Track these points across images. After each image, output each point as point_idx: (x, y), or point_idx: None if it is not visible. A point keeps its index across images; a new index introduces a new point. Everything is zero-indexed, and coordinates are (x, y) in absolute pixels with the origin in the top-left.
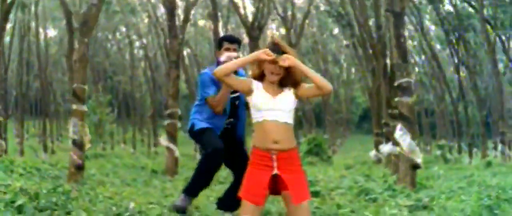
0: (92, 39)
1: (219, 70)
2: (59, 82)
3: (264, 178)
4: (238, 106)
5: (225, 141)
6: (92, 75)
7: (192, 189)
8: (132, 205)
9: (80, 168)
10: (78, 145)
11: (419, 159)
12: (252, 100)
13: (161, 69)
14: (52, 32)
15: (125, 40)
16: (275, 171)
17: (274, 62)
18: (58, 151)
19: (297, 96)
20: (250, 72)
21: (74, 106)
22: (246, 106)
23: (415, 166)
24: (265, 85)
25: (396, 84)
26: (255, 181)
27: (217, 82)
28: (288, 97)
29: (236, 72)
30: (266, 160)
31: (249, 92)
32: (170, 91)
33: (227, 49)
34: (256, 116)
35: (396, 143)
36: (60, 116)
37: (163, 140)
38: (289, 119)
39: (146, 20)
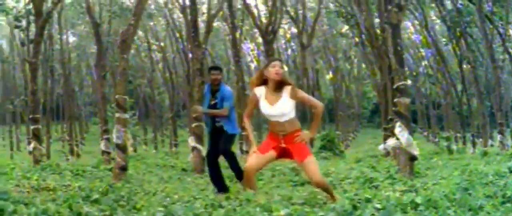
0: (109, 43)
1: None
2: (79, 86)
3: (273, 143)
4: (217, 109)
5: (218, 136)
6: (113, 79)
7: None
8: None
9: (124, 169)
10: (122, 149)
11: (416, 152)
12: (259, 107)
13: (179, 70)
14: (71, 38)
15: (144, 44)
16: (283, 145)
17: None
18: (82, 154)
19: (293, 97)
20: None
21: (117, 115)
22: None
23: (412, 158)
24: (266, 93)
25: (394, 86)
26: (266, 144)
27: (205, 95)
28: (284, 102)
29: (218, 89)
30: (277, 139)
31: (258, 102)
32: (196, 97)
33: (213, 74)
34: (264, 114)
35: (397, 138)
36: (82, 120)
37: (191, 140)
38: (289, 117)
39: (162, 22)
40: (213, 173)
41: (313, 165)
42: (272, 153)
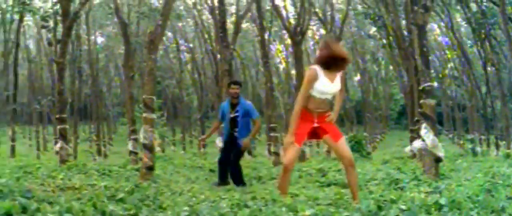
0: (138, 44)
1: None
2: (107, 87)
3: (307, 128)
4: (237, 120)
5: (230, 144)
6: (141, 80)
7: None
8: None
9: (151, 168)
10: (149, 148)
11: (441, 153)
12: (316, 85)
13: (207, 71)
14: (99, 39)
15: (173, 45)
16: (315, 124)
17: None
18: (110, 154)
19: (342, 76)
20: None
21: (145, 114)
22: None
23: (437, 159)
24: (326, 72)
25: (420, 88)
26: (301, 131)
27: (223, 113)
28: (338, 80)
29: (237, 103)
30: (310, 117)
31: (315, 80)
32: (224, 98)
33: (233, 88)
34: (314, 92)
35: (423, 139)
36: (110, 120)
37: (219, 141)
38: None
39: (191, 23)
40: (220, 169)
41: (347, 145)
42: (305, 139)
